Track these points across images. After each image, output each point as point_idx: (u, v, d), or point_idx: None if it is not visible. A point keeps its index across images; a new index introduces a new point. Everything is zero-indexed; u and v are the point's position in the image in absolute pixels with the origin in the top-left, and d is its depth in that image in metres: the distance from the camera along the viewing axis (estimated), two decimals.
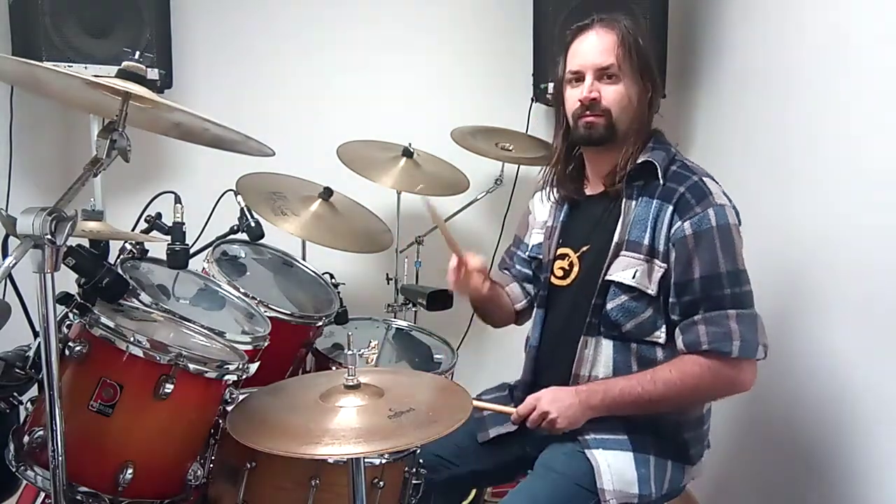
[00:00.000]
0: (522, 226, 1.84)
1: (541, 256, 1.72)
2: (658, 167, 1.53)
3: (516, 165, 2.74)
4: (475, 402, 1.48)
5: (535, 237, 1.77)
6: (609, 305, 1.54)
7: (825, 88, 1.82)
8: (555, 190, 1.71)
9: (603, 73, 1.55)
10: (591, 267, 1.59)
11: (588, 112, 1.56)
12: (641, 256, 1.52)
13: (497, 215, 2.89)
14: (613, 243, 1.55)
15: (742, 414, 2.10)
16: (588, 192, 1.67)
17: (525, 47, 2.66)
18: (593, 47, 1.56)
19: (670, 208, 1.50)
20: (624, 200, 1.56)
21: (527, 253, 1.79)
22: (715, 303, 1.46)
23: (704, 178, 1.52)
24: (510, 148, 2.59)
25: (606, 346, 1.56)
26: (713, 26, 2.53)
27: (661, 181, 1.53)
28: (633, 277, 1.51)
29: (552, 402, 1.51)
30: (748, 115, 2.26)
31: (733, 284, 1.46)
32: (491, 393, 1.79)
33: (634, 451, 1.54)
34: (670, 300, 1.51)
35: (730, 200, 1.52)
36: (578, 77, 1.58)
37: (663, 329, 1.53)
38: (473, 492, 2.06)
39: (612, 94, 1.55)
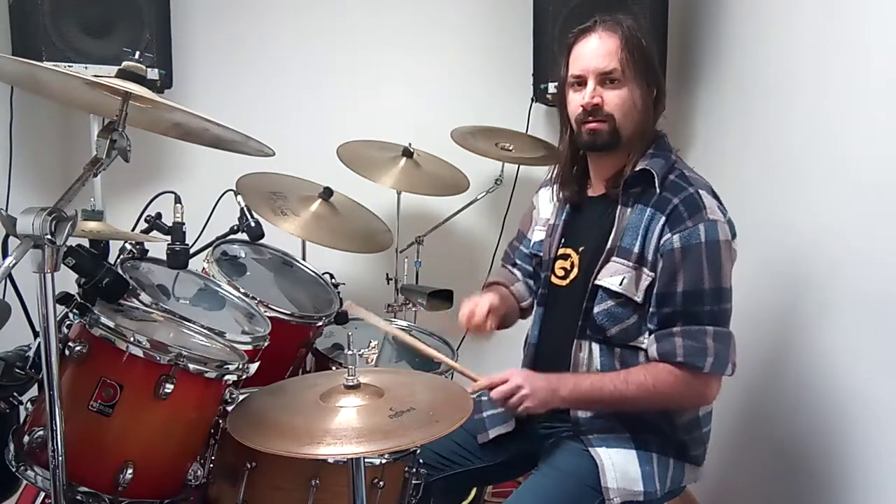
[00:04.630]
0: (526, 220, 1.83)
1: (541, 254, 1.72)
2: (656, 176, 1.51)
3: (516, 165, 2.74)
4: (447, 360, 1.62)
5: (537, 234, 1.76)
6: (596, 309, 1.55)
7: (826, 88, 1.82)
8: (559, 189, 1.71)
9: (605, 78, 1.52)
10: (585, 269, 1.60)
11: (591, 118, 1.53)
12: (630, 264, 1.51)
13: (497, 215, 2.89)
14: (606, 248, 1.54)
15: (742, 413, 2.10)
16: (590, 193, 1.67)
17: (525, 47, 2.65)
18: (595, 51, 1.52)
19: (662, 219, 1.49)
20: (619, 207, 1.55)
21: (528, 248, 1.79)
22: (694, 318, 1.47)
23: (701, 191, 1.50)
24: (510, 148, 2.59)
25: (595, 349, 1.57)
26: (713, 26, 2.53)
27: (658, 190, 1.51)
28: (621, 284, 1.51)
29: (526, 378, 1.51)
30: (749, 114, 2.25)
31: (714, 302, 1.47)
32: None
33: (637, 448, 1.54)
34: (650, 309, 1.51)
35: (724, 214, 1.51)
36: (580, 81, 1.55)
37: (647, 335, 1.53)
38: (473, 492, 2.06)
39: (615, 100, 1.52)
